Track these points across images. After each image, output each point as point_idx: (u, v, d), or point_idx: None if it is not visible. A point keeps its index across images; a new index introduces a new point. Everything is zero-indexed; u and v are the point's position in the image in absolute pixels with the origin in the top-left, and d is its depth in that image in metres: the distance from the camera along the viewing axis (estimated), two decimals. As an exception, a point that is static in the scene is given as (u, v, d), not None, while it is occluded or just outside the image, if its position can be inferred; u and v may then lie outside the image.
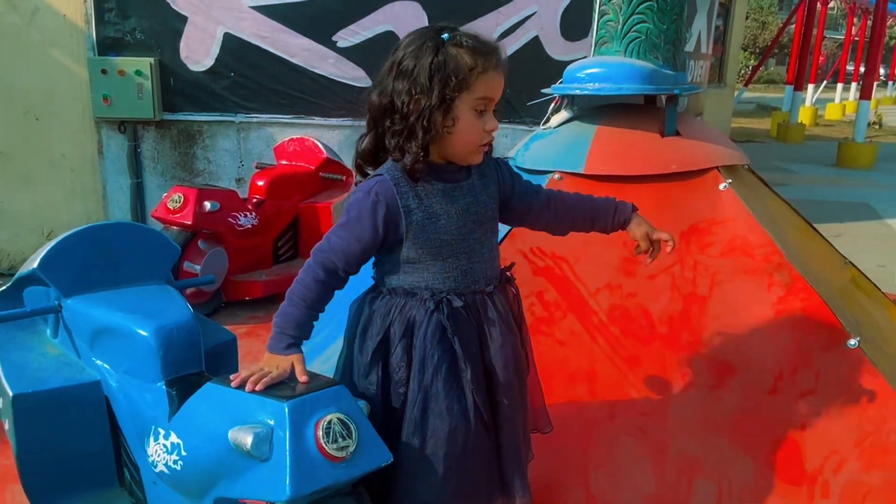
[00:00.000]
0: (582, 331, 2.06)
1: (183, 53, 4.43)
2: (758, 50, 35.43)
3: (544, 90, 2.45)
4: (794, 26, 16.69)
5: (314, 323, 1.38)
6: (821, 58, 29.38)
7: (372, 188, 1.33)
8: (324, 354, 2.48)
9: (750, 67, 38.57)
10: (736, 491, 1.79)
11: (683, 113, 2.48)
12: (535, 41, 5.06)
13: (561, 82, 2.40)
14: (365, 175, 1.40)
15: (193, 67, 4.44)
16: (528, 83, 4.13)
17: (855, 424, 1.83)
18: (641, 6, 2.34)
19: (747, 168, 2.58)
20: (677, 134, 2.32)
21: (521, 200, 1.52)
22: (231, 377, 1.27)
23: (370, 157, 1.39)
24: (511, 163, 2.54)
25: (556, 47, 4.94)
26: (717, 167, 2.25)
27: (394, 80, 1.31)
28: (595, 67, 2.31)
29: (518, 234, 2.18)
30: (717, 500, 1.79)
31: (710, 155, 2.29)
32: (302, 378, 1.28)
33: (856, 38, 22.39)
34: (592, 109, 2.47)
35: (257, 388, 1.23)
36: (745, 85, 14.51)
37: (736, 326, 2.02)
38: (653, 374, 1.99)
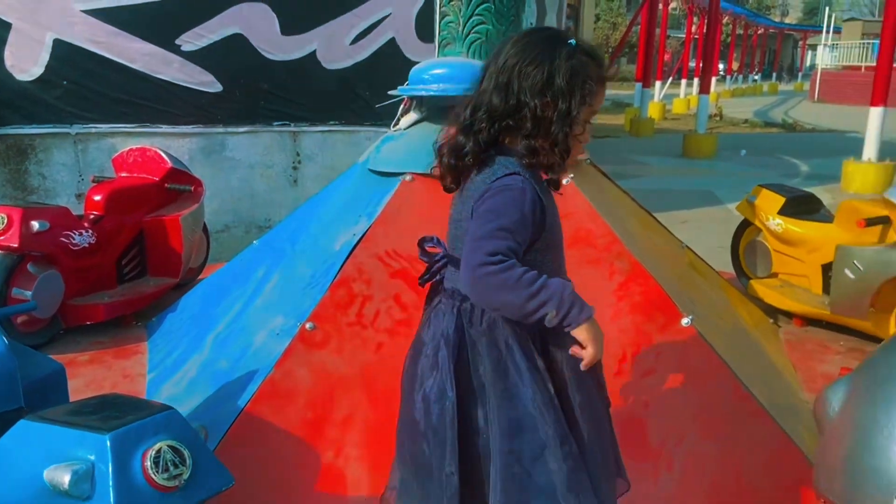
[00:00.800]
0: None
1: (8, 62, 4.07)
2: (610, 49, 37.51)
3: (391, 92, 2.45)
4: (640, 26, 17.86)
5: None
6: (666, 56, 31.53)
7: (523, 186, 1.24)
8: (175, 377, 2.36)
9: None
10: (590, 473, 1.86)
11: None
12: (392, 43, 5.08)
13: (407, 84, 2.41)
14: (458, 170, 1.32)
15: (20, 77, 4.09)
16: (387, 85, 4.12)
17: (692, 399, 1.96)
18: (480, 7, 2.39)
19: (589, 163, 2.70)
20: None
21: None
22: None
23: (478, 155, 1.29)
24: (363, 166, 2.53)
25: (413, 48, 4.97)
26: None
27: (520, 81, 1.24)
28: (438, 68, 2.34)
29: (372, 238, 2.17)
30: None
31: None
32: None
33: (695, 36, 24.11)
34: (441, 110, 2.49)
35: None
36: (599, 83, 15.19)
37: (584, 315, 2.10)
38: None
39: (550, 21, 7.21)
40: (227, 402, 1.92)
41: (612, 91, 28.80)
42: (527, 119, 1.25)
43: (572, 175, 2.31)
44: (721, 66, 30.85)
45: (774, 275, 3.37)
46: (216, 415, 1.89)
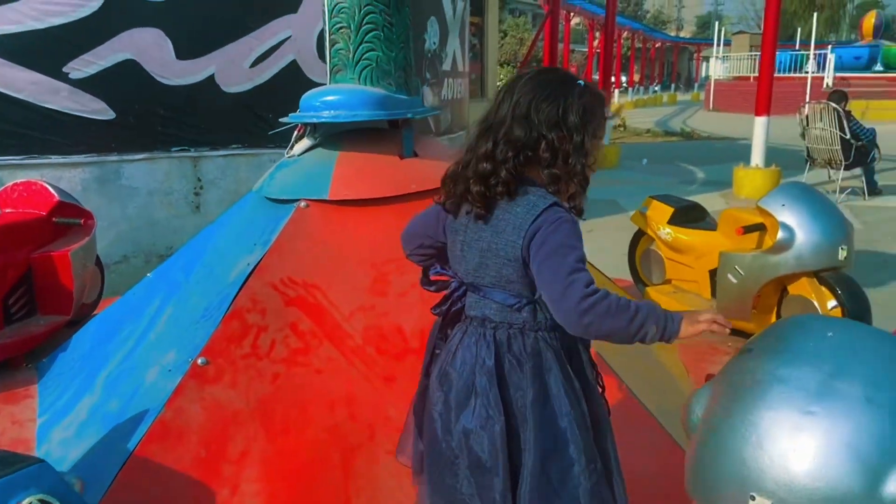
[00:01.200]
0: (339, 356, 2.07)
1: None
2: (518, 65, 38.43)
3: (282, 119, 2.44)
4: (544, 42, 18.34)
5: None
6: (572, 69, 32.61)
7: (571, 216, 1.34)
8: (65, 420, 2.26)
9: (514, 80, 41.58)
10: (490, 489, 1.90)
11: (420, 135, 2.59)
12: (294, 65, 5.04)
13: (298, 110, 2.41)
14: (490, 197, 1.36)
15: None
16: (289, 107, 4.10)
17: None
18: (369, 35, 2.42)
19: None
20: (415, 155, 2.43)
21: None
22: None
23: (509, 184, 1.34)
24: (258, 193, 2.51)
25: (315, 70, 4.95)
26: (453, 184, 2.39)
27: (538, 115, 1.33)
28: (330, 95, 2.35)
29: (266, 266, 2.15)
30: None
31: (446, 173, 2.42)
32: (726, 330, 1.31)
33: (598, 51, 25.00)
34: (335, 136, 2.50)
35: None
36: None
37: (481, 333, 2.15)
38: (409, 389, 2.04)
39: (453, 40, 7.34)
40: (115, 445, 1.85)
41: (521, 105, 29.41)
42: (546, 150, 1.33)
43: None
44: (623, 79, 32.16)
45: (668, 281, 3.54)
46: (104, 460, 1.83)
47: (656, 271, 3.57)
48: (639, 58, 34.04)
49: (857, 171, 8.21)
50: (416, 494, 1.85)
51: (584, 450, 1.34)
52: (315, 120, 2.34)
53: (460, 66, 7.67)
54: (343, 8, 2.37)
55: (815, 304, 2.88)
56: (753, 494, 1.19)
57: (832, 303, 2.85)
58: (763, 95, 8.36)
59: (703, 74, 42.19)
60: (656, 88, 36.05)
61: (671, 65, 44.48)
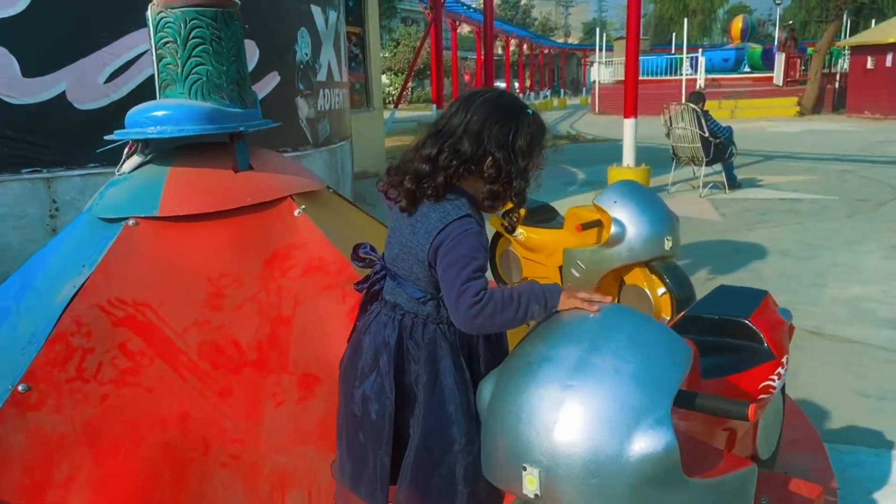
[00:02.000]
0: (171, 374, 2.06)
1: None
2: (407, 73, 38.72)
3: (107, 137, 2.40)
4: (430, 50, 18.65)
5: None
6: (466, 76, 33.15)
7: (479, 229, 1.49)
8: None
9: (409, 90, 41.91)
10: (324, 492, 1.94)
11: (256, 147, 2.61)
12: (152, 80, 4.91)
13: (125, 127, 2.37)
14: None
15: None
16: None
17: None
18: (197, 49, 2.41)
19: (332, 191, 2.82)
20: (251, 168, 2.45)
21: None
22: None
23: (440, 190, 1.49)
24: (88, 213, 2.45)
25: (177, 85, 4.85)
26: (290, 196, 2.42)
27: (489, 134, 1.46)
28: (157, 110, 2.33)
29: (92, 287, 2.11)
30: (307, 504, 1.92)
31: (283, 185, 2.45)
32: (606, 299, 1.39)
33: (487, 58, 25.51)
34: (167, 151, 2.48)
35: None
36: (395, 106, 15.76)
37: (319, 339, 2.19)
38: (245, 401, 2.06)
39: (327, 51, 7.35)
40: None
41: (418, 112, 29.83)
42: (491, 167, 1.47)
43: (304, 206, 2.41)
44: (516, 85, 33.01)
45: (525, 279, 3.70)
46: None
47: (514, 270, 3.73)
48: (528, 64, 35.07)
49: (718, 166, 8.79)
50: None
51: (465, 432, 1.51)
52: (141, 136, 2.31)
53: (336, 76, 7.68)
54: (168, 23, 2.36)
55: (647, 291, 3.10)
56: (525, 466, 1.29)
57: (661, 289, 3.07)
58: (630, 99, 8.83)
59: (590, 79, 44.02)
60: (546, 94, 37.23)
61: (560, 70, 46.03)
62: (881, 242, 6.14)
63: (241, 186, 2.36)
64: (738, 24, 30.82)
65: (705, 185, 8.81)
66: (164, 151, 2.47)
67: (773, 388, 1.72)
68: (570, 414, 1.26)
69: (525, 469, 1.28)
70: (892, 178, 9.42)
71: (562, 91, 40.48)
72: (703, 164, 8.48)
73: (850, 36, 24.46)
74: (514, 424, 1.31)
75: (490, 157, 1.48)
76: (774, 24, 32.43)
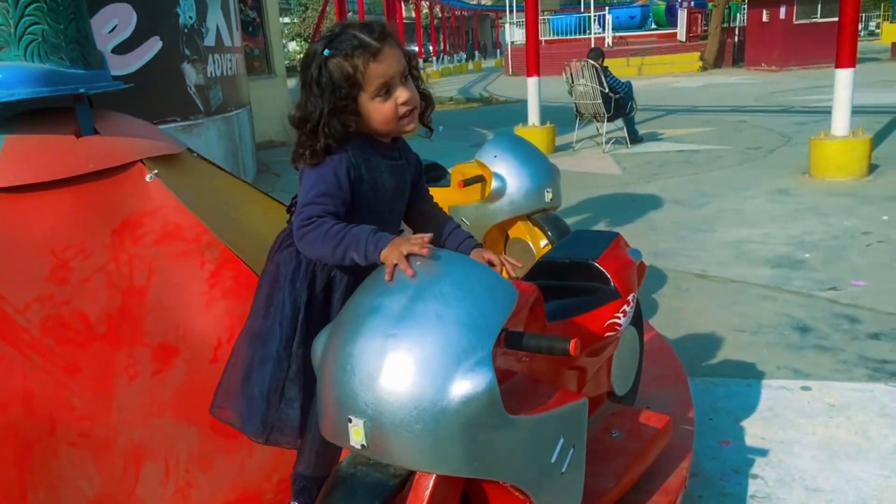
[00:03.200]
0: (13, 353, 1.94)
1: None
2: (311, 38, 37.76)
3: (-72, 104, 2.20)
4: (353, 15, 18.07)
5: None
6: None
7: (339, 156, 1.54)
8: None
9: (322, 55, 40.90)
10: (182, 461, 1.88)
11: (106, 111, 2.46)
12: None
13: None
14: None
15: None
16: None
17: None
18: (30, 7, 2.23)
19: (196, 156, 2.70)
20: (96, 133, 2.30)
21: (416, 195, 1.77)
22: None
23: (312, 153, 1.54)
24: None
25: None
26: (141, 160, 2.29)
27: (308, 90, 1.51)
28: (-19, 74, 2.15)
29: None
30: (164, 476, 1.86)
31: (133, 149, 2.31)
32: (424, 251, 1.35)
33: (403, 22, 25.05)
34: (7, 119, 2.30)
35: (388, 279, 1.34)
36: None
37: (175, 309, 2.10)
38: (95, 377, 1.96)
39: (214, 14, 7.04)
40: None
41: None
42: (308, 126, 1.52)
43: (157, 171, 2.29)
44: (428, 49, 32.70)
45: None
46: None
47: (407, 231, 3.70)
48: (440, 28, 34.75)
49: (621, 122, 8.97)
50: (101, 482, 1.80)
51: (282, 352, 1.59)
52: (-37, 102, 2.13)
53: (227, 41, 7.38)
54: (-5, -20, 2.17)
55: (531, 244, 3.13)
56: (350, 417, 1.27)
57: (544, 241, 3.11)
58: (531, 58, 8.87)
59: (504, 41, 44.10)
60: (461, 57, 37.05)
61: (473, 32, 45.86)
62: (766, 187, 6.43)
63: (83, 152, 2.22)
64: (643, -19, 31.34)
65: (608, 140, 8.99)
66: (3, 119, 2.29)
67: (619, 325, 1.76)
68: (393, 362, 1.24)
69: (350, 420, 1.26)
70: (781, 126, 9.86)
71: (475, 54, 40.40)
72: (605, 119, 8.63)
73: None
74: (340, 377, 1.29)
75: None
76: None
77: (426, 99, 1.65)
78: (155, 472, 1.85)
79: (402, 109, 1.54)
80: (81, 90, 2.27)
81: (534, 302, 1.59)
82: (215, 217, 2.34)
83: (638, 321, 2.14)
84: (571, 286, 1.85)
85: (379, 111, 1.52)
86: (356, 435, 1.26)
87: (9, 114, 2.34)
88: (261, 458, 1.93)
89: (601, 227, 5.52)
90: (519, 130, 8.89)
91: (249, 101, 8.76)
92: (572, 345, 1.30)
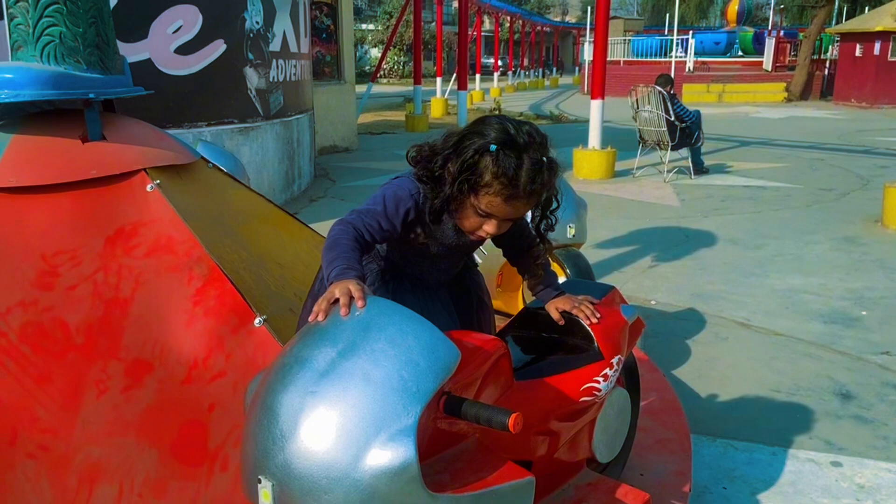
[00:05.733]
0: (-13, 357, 1.94)
1: None
2: (405, 47, 38.28)
3: (-60, 101, 2.24)
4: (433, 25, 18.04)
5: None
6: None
7: (398, 185, 1.64)
8: None
9: (401, 64, 41.41)
10: (137, 485, 1.83)
11: (119, 116, 2.45)
12: None
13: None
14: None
15: None
16: None
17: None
18: (49, 9, 2.25)
19: (211, 166, 2.68)
20: (103, 138, 2.30)
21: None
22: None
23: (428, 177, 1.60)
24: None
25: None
26: (145, 169, 2.28)
27: (452, 147, 1.55)
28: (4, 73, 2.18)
29: None
30: (117, 499, 1.80)
31: (138, 157, 2.30)
32: (360, 303, 1.27)
33: (487, 34, 25.13)
34: (15, 119, 2.33)
35: (320, 319, 1.26)
36: (372, 80, 15.50)
37: (157, 324, 2.06)
38: (64, 389, 1.94)
39: (283, 20, 7.14)
40: None
41: (401, 87, 29.49)
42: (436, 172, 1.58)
43: (159, 181, 2.27)
44: (504, 63, 32.64)
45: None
46: None
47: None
48: (519, 42, 34.62)
49: (686, 151, 8.65)
50: (54, 500, 1.76)
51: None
52: (-22, 100, 2.15)
53: (293, 46, 7.48)
54: (16, -20, 2.20)
55: (549, 280, 2.98)
56: (260, 478, 1.17)
57: (562, 279, 2.95)
58: (597, 80, 8.65)
59: (583, 58, 43.69)
60: (539, 72, 36.85)
61: (554, 49, 45.55)
62: (832, 233, 6.04)
63: (87, 158, 2.21)
64: (734, 6, 30.49)
65: (671, 169, 8.67)
66: (16, 119, 2.32)
67: (598, 390, 1.60)
68: (309, 423, 1.14)
69: (260, 481, 1.17)
70: (861, 167, 9.31)
71: (553, 70, 40.07)
72: (669, 148, 8.33)
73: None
74: (255, 432, 1.20)
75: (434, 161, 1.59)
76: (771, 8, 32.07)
77: (545, 243, 1.76)
78: (108, 494, 1.80)
79: (479, 233, 1.61)
80: (91, 95, 2.27)
81: (498, 358, 1.46)
82: (215, 232, 2.30)
83: (633, 383, 1.97)
84: (552, 340, 1.71)
85: (467, 217, 1.58)
86: (265, 498, 1.17)
87: (20, 114, 2.37)
88: (217, 489, 1.85)
89: (647, 261, 5.28)
90: (578, 153, 8.69)
91: (313, 106, 8.87)
92: (511, 420, 1.17)
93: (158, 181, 2.26)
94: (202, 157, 2.64)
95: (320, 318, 1.27)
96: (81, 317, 2.03)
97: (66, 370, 1.95)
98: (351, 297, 1.28)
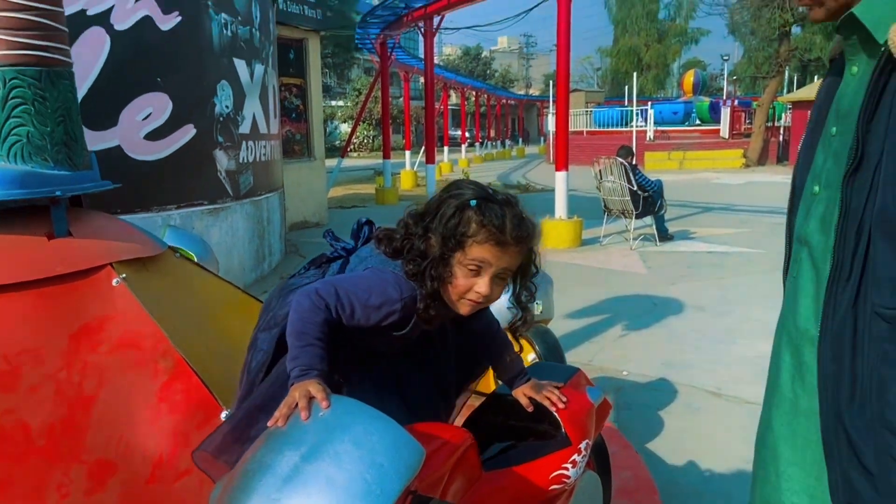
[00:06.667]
0: (-54, 464, 1.88)
1: None
2: (374, 122, 39.09)
3: None
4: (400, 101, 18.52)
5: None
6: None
7: (382, 271, 1.55)
8: None
9: (371, 138, 42.15)
10: None
11: (86, 211, 2.48)
12: None
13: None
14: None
15: None
16: None
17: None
18: (17, 110, 2.29)
19: (179, 256, 2.69)
20: (69, 234, 2.31)
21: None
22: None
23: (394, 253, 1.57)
24: None
25: None
26: (111, 263, 2.28)
27: (432, 214, 1.52)
28: (-38, 175, 2.20)
29: None
30: None
31: (103, 252, 2.31)
32: (323, 404, 1.26)
33: (453, 108, 25.79)
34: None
35: (279, 424, 1.25)
36: (342, 155, 15.76)
37: (120, 422, 2.03)
38: (25, 494, 1.89)
39: (252, 103, 7.29)
40: None
41: (371, 161, 29.92)
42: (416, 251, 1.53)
43: (125, 275, 2.27)
44: (471, 135, 33.45)
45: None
46: None
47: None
48: (485, 114, 35.60)
49: (650, 219, 8.87)
50: None
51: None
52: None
53: (263, 128, 7.62)
54: (-15, 82, 2.25)
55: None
56: None
57: (531, 355, 2.98)
58: (561, 153, 8.91)
59: (547, 129, 44.93)
60: (506, 143, 37.78)
61: (519, 120, 46.87)
62: (795, 297, 6.17)
63: (52, 254, 2.22)
64: (689, 78, 31.81)
65: (636, 237, 8.86)
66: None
67: (567, 477, 1.61)
68: (269, 533, 1.13)
69: None
70: (819, 230, 9.58)
71: (519, 140, 41.12)
72: (634, 216, 8.54)
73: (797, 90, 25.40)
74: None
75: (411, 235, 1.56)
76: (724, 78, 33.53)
77: (525, 313, 1.68)
78: None
79: (472, 296, 1.50)
80: (58, 193, 2.29)
81: (466, 450, 1.47)
82: (181, 324, 2.30)
83: (604, 465, 1.98)
84: (520, 427, 1.72)
85: (456, 279, 1.49)
86: None
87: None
88: None
89: (618, 330, 5.34)
90: (546, 223, 8.85)
91: (283, 184, 8.96)
92: (477, 521, 1.17)
93: (124, 275, 2.26)
94: (169, 247, 2.65)
95: (280, 423, 1.27)
96: (43, 418, 1.99)
97: (27, 475, 1.90)
98: (312, 399, 1.28)
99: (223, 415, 2.06)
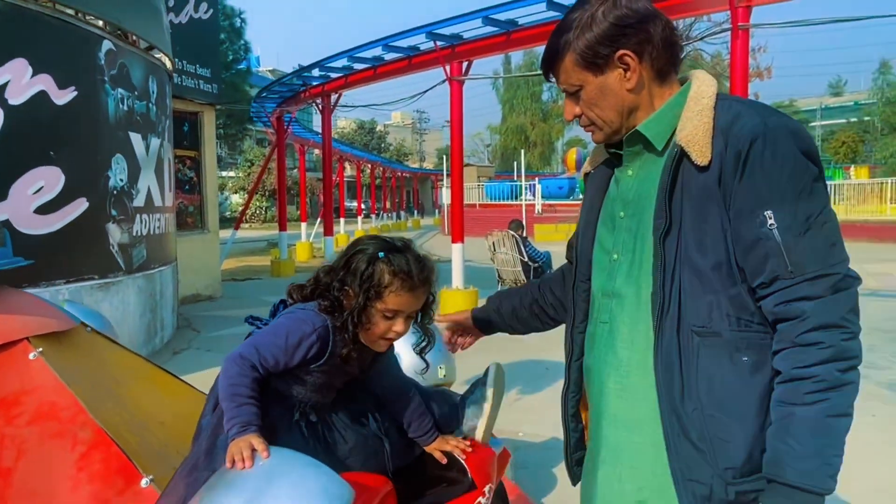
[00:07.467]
0: None
1: None
2: (267, 192, 38.83)
3: None
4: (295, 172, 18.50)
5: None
6: (320, 196, 33.71)
7: (312, 322, 1.69)
8: None
9: (264, 209, 41.68)
10: None
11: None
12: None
13: None
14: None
15: None
16: None
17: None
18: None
19: (90, 330, 2.74)
20: (-15, 310, 2.35)
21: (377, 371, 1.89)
22: None
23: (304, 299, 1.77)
24: None
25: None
26: (27, 338, 2.33)
27: (342, 270, 1.70)
28: None
29: None
30: None
31: (20, 327, 2.35)
32: (264, 455, 1.42)
33: (348, 179, 26.06)
34: None
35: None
36: (236, 227, 15.64)
37: (40, 493, 2.06)
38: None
39: (147, 177, 7.27)
40: None
41: (267, 232, 29.56)
42: (335, 303, 1.70)
43: (41, 349, 2.32)
44: (367, 206, 33.90)
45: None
46: None
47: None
48: (381, 186, 36.30)
49: (539, 287, 9.35)
50: None
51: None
52: None
53: (158, 201, 7.58)
54: None
55: (424, 419, 3.19)
56: None
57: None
58: (456, 227, 9.35)
59: (441, 201, 46.19)
60: (401, 214, 38.45)
61: (414, 192, 47.94)
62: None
63: (-31, 330, 2.24)
64: (572, 155, 33.89)
65: (528, 305, 9.31)
66: None
67: (474, 519, 1.82)
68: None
69: None
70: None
71: (415, 212, 42.03)
72: (524, 286, 9.01)
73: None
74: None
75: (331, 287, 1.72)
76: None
77: (429, 337, 1.90)
78: None
79: (390, 335, 1.71)
80: (-30, 270, 2.34)
81: (384, 496, 1.65)
82: (97, 395, 2.36)
83: (504, 509, 2.19)
84: (432, 474, 1.92)
85: (375, 324, 1.68)
86: None
87: None
88: None
89: (513, 395, 5.62)
90: (443, 293, 9.17)
91: (176, 257, 8.85)
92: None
93: (41, 349, 2.31)
94: (81, 322, 2.71)
95: (230, 465, 1.43)
96: (-40, 495, 1.99)
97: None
98: (253, 450, 1.45)
99: (143, 482, 2.13)
